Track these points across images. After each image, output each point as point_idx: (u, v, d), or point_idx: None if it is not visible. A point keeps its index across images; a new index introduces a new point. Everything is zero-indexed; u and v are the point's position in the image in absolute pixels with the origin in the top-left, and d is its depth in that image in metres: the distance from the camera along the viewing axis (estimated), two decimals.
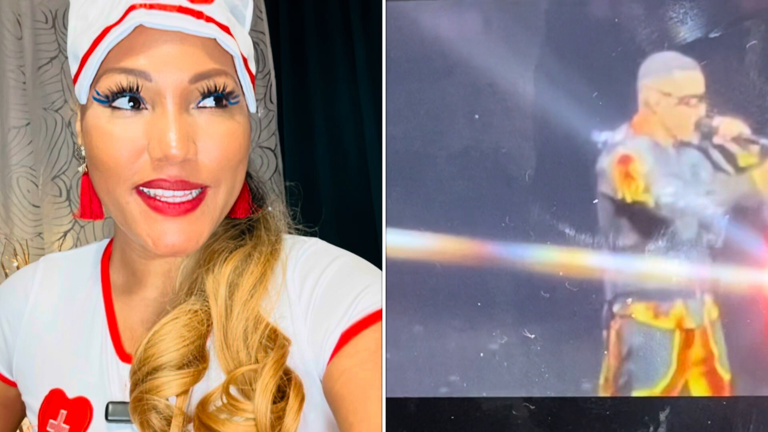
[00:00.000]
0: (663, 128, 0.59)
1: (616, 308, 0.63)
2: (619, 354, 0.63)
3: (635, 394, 0.66)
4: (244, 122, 0.66)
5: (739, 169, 0.57)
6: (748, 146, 0.56)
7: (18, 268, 1.91)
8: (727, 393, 0.60)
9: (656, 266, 0.70)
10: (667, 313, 0.62)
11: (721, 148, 0.58)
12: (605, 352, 0.61)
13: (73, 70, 0.65)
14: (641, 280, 0.70)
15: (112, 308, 0.73)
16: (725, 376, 0.64)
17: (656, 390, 0.61)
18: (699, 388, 0.62)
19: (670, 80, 0.60)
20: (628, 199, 0.60)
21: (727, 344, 0.61)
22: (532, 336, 0.71)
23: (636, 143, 0.59)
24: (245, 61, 0.66)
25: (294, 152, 2.07)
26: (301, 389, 0.64)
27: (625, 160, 0.60)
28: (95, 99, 0.63)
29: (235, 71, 0.65)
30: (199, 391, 0.65)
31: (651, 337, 0.61)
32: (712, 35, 0.70)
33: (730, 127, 0.58)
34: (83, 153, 0.67)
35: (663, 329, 0.62)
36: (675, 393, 0.61)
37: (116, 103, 0.62)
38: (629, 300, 0.62)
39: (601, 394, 0.67)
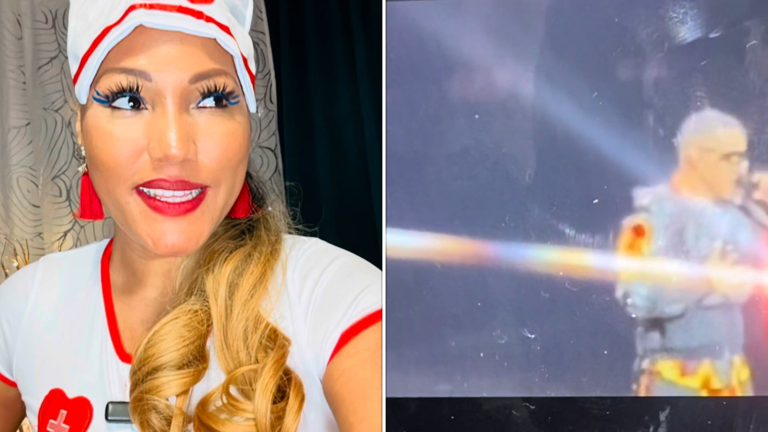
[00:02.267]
0: (704, 185, 0.59)
1: (645, 364, 0.64)
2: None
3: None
4: (244, 122, 0.66)
5: None
6: None
7: (18, 268, 1.91)
8: None
9: (656, 267, 0.70)
10: (694, 372, 0.62)
11: (763, 204, 0.58)
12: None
13: (73, 70, 0.65)
14: (642, 281, 0.70)
15: (112, 308, 0.73)
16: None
17: None
18: None
19: (713, 138, 0.60)
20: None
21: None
22: (532, 336, 0.71)
23: (664, 208, 0.60)
24: (245, 61, 0.66)
25: (294, 152, 2.07)
26: (301, 389, 0.64)
27: (638, 230, 0.62)
28: (95, 99, 0.63)
29: (235, 71, 0.65)
30: (199, 391, 0.65)
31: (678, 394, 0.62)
32: (712, 35, 0.70)
33: None
34: (83, 153, 0.67)
35: (690, 388, 0.63)
36: None
37: (116, 103, 0.62)
38: (657, 357, 0.62)
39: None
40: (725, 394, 0.60)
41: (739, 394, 0.60)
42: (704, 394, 0.60)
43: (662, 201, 0.67)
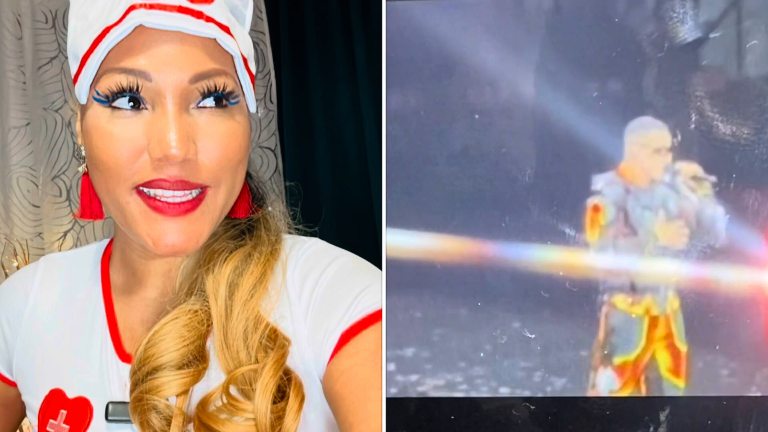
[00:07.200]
0: (641, 171, 0.71)
1: (604, 297, 0.72)
2: (605, 331, 0.73)
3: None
4: (244, 122, 0.66)
5: (699, 197, 0.71)
6: (701, 182, 0.71)
7: (18, 268, 1.91)
8: (683, 362, 0.71)
9: (656, 266, 0.70)
10: (639, 302, 0.72)
11: (685, 184, 0.71)
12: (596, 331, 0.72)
13: (73, 70, 0.65)
14: (642, 280, 0.70)
15: (112, 308, 0.73)
16: (683, 348, 0.71)
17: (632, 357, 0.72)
18: (663, 358, 0.72)
19: (647, 136, 0.71)
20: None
21: (686, 325, 0.72)
22: (532, 336, 0.71)
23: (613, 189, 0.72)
24: (245, 61, 0.66)
25: (294, 152, 2.07)
26: (301, 389, 0.64)
27: (595, 208, 0.72)
28: (95, 99, 0.63)
29: (235, 71, 0.65)
30: (199, 391, 0.65)
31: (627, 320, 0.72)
32: (712, 35, 0.70)
33: (688, 169, 0.71)
34: (83, 153, 0.67)
35: (636, 314, 0.72)
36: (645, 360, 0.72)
37: (116, 103, 0.62)
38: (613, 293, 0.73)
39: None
40: (661, 318, 0.72)
41: (672, 320, 0.71)
42: (646, 319, 0.72)
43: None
